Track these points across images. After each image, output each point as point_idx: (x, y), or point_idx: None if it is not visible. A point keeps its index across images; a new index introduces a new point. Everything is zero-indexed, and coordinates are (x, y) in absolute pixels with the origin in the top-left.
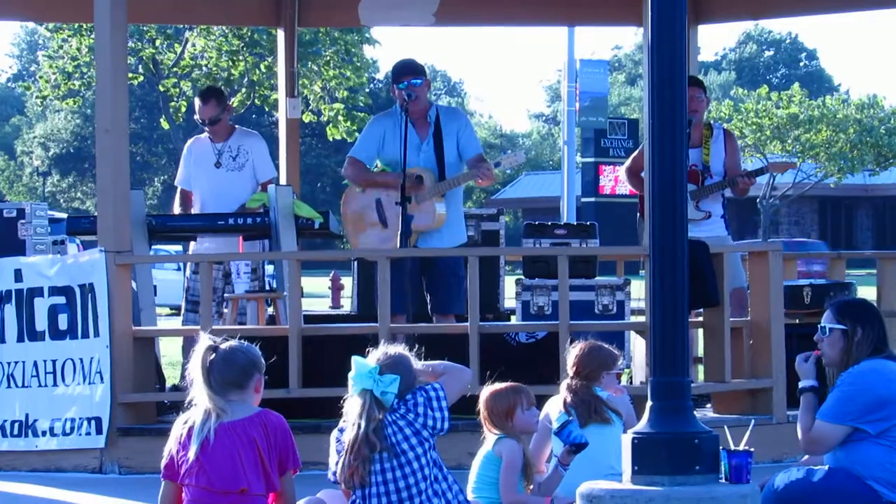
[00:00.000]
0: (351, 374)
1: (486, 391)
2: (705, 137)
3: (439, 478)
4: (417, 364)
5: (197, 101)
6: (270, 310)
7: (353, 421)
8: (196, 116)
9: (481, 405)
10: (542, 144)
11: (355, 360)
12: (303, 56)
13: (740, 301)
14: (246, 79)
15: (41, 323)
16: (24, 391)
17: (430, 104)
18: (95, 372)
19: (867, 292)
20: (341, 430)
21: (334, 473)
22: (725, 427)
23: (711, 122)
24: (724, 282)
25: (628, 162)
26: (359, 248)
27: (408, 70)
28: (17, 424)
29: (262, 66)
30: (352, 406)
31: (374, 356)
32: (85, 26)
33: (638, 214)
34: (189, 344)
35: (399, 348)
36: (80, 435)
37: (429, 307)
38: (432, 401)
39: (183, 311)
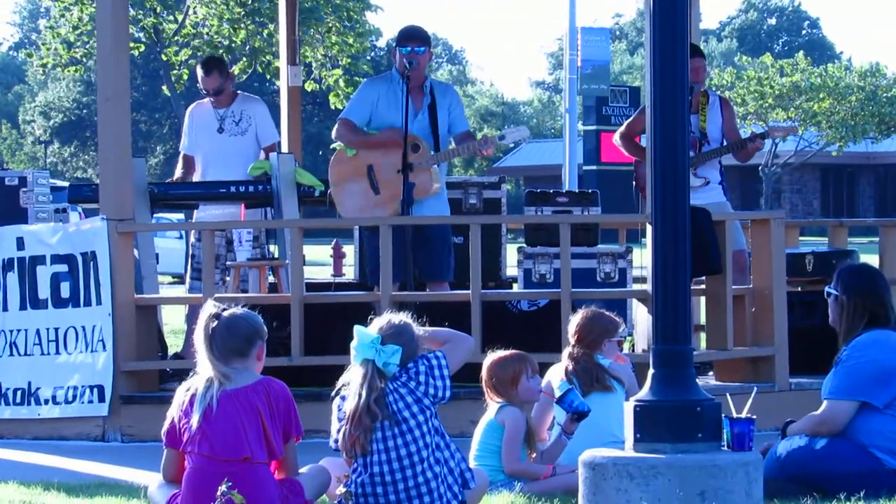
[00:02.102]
0: (353, 344)
1: (491, 359)
2: (702, 105)
3: (441, 445)
4: (419, 331)
5: (199, 71)
6: (272, 278)
7: (354, 391)
8: (199, 85)
9: (485, 373)
10: (543, 112)
11: (357, 329)
12: (304, 23)
13: (739, 264)
14: (247, 47)
15: (43, 291)
16: (27, 359)
17: (425, 75)
18: (98, 340)
19: (869, 260)
20: (343, 398)
21: (336, 441)
22: (727, 395)
23: (707, 89)
24: (728, 251)
25: (622, 127)
26: (361, 217)
27: (413, 36)
28: (19, 392)
29: (263, 34)
30: (353, 375)
31: (377, 325)
32: None
33: (634, 184)
34: (193, 312)
35: (402, 317)
36: (83, 403)
37: (419, 275)
38: (434, 369)
39: (188, 279)
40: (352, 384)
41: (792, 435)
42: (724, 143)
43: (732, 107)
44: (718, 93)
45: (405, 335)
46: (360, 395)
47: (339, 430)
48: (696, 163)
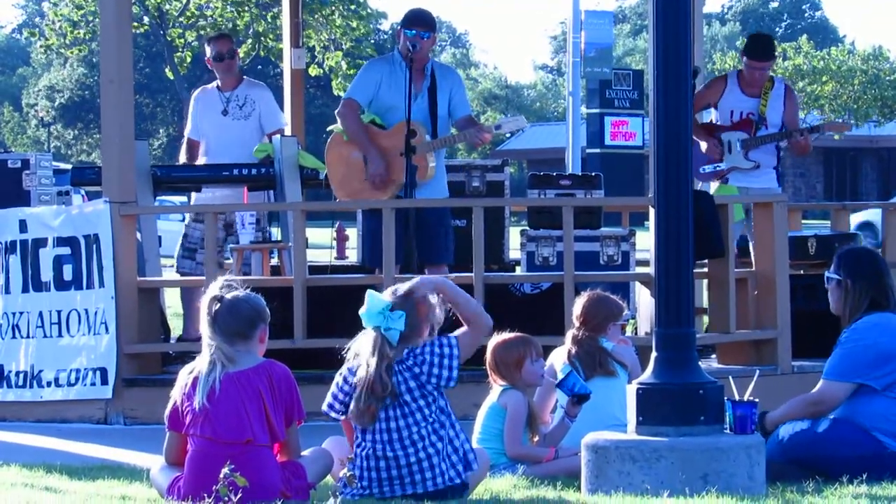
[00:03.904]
0: (362, 311)
1: (495, 341)
2: (765, 89)
3: (446, 424)
4: (434, 298)
5: (208, 48)
6: (274, 260)
7: (364, 360)
8: (207, 58)
9: (489, 355)
10: (546, 95)
11: (369, 294)
12: (308, 6)
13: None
14: (251, 29)
15: (46, 273)
16: (30, 342)
17: (428, 58)
18: (100, 322)
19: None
20: (350, 370)
21: (330, 406)
22: (730, 378)
23: (774, 76)
24: (730, 235)
25: None
26: (364, 200)
27: (421, 21)
28: (22, 375)
29: (267, 17)
30: (363, 343)
31: (389, 291)
32: None
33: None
34: (188, 294)
35: (406, 286)
36: (86, 386)
37: (418, 258)
38: (444, 358)
39: (177, 256)
40: (361, 353)
41: (774, 421)
42: (783, 130)
43: (796, 97)
44: (784, 81)
45: (411, 301)
46: (369, 365)
47: (349, 399)
48: (749, 145)
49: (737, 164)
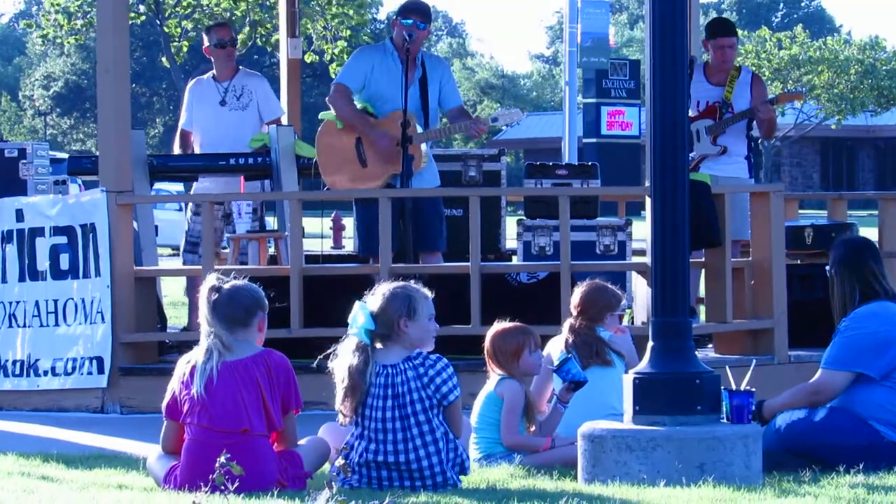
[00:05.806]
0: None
1: (494, 329)
2: (731, 77)
3: (441, 434)
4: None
5: (208, 36)
6: (271, 250)
7: (343, 362)
8: (205, 46)
9: (488, 343)
10: (543, 85)
11: (356, 305)
12: None
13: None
14: (247, 19)
15: (42, 263)
16: (26, 331)
17: (420, 48)
18: (97, 312)
19: (868, 233)
20: None
21: None
22: (727, 367)
23: (742, 66)
24: (728, 225)
25: None
26: (360, 190)
27: (418, 11)
28: (18, 364)
29: (266, 4)
30: (343, 350)
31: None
32: None
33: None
34: (192, 285)
35: (390, 284)
36: (82, 375)
37: (412, 246)
38: (446, 370)
39: (182, 251)
40: (343, 352)
41: (772, 409)
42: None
43: (765, 85)
44: (752, 70)
45: (380, 298)
46: (348, 367)
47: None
48: (715, 130)
49: (705, 151)
